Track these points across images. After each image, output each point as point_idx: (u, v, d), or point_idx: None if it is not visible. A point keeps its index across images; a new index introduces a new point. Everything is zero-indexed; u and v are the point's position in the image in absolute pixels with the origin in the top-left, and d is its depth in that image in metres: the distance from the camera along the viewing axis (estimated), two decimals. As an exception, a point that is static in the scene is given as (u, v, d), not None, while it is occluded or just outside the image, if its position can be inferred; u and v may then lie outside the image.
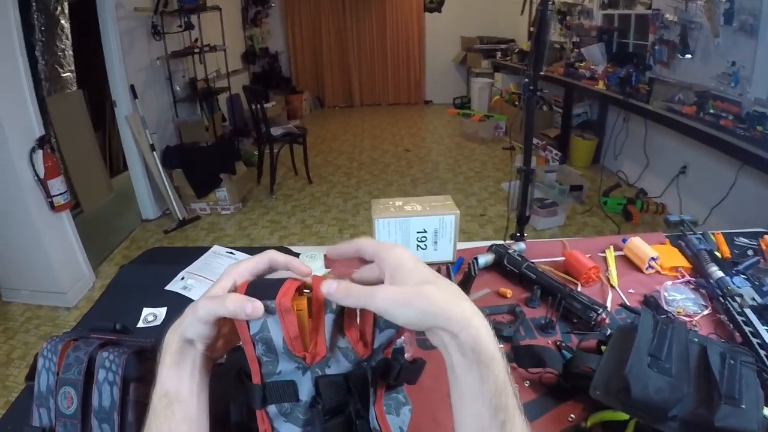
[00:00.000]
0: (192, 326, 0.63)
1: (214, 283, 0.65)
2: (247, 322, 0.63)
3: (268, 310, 0.62)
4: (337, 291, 0.59)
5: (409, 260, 0.61)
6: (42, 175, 3.74)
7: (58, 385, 0.84)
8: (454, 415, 0.60)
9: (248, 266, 0.68)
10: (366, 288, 0.59)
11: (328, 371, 0.66)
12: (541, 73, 6.48)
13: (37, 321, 3.90)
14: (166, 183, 5.34)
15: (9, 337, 3.74)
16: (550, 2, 2.93)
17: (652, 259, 1.45)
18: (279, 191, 6.21)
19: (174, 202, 5.36)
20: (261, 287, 0.64)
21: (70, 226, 4.13)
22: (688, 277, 1.41)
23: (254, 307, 0.59)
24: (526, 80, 2.92)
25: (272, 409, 0.68)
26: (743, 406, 0.82)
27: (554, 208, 4.89)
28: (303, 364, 0.65)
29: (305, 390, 0.66)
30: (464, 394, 0.58)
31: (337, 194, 6.08)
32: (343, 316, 0.65)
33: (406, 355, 0.77)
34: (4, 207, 3.78)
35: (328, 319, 0.64)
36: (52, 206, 3.85)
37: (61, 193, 3.87)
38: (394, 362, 0.70)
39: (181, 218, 5.37)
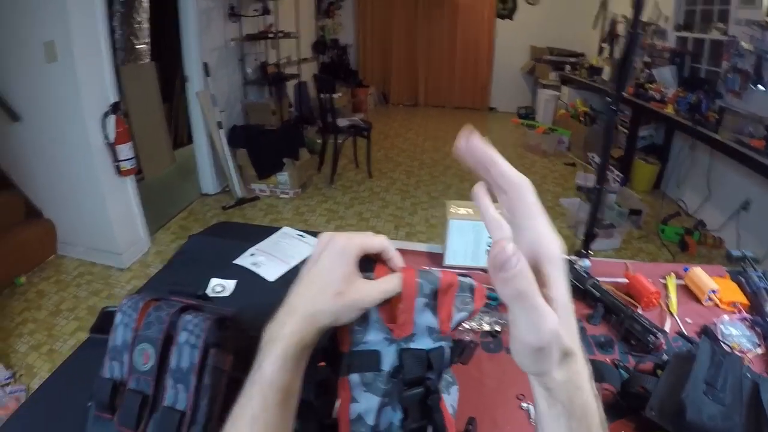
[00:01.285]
0: (352, 314, 0.65)
1: (338, 258, 0.65)
2: None
3: (368, 278, 0.68)
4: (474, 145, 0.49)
5: (561, 262, 0.49)
6: (112, 140, 3.84)
7: (136, 341, 0.85)
8: None
9: (364, 244, 0.68)
10: (532, 281, 0.44)
11: (412, 346, 0.71)
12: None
13: (89, 277, 4.01)
14: (230, 160, 5.42)
15: (60, 288, 3.86)
16: (623, 20, 2.90)
17: (712, 291, 1.44)
18: (339, 182, 6.23)
19: (235, 180, 5.44)
20: (361, 266, 0.68)
21: (132, 191, 4.25)
22: (745, 314, 1.39)
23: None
24: (609, 99, 2.89)
25: (354, 378, 0.71)
26: None
27: (611, 230, 4.80)
28: (391, 336, 0.70)
29: (388, 361, 0.71)
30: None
31: (396, 191, 6.08)
32: (436, 299, 0.71)
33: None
34: (73, 166, 3.92)
35: (419, 302, 0.70)
36: (119, 170, 3.96)
37: (128, 159, 3.98)
38: (469, 343, 0.79)
39: (240, 196, 5.45)
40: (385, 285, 0.67)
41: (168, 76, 6.37)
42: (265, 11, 6.19)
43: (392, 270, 0.71)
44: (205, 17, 5.28)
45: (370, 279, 0.68)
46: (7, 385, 2.89)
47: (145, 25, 5.79)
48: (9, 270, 3.85)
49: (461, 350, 0.77)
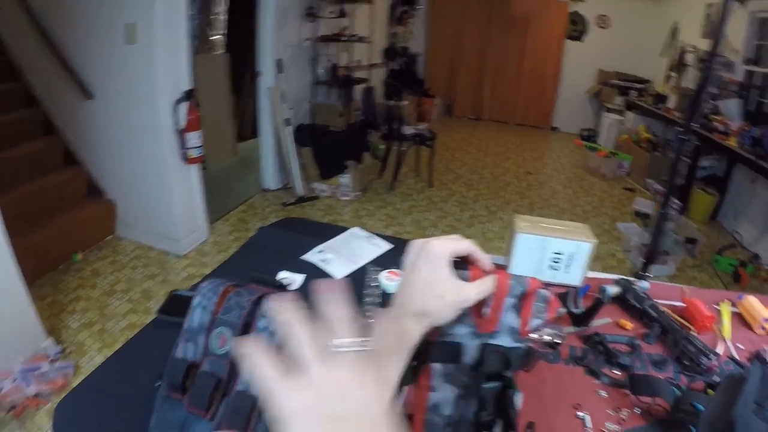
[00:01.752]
0: (453, 314, 0.69)
1: (433, 264, 0.70)
2: None
3: (463, 277, 0.72)
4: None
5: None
6: (183, 127, 3.91)
7: (214, 324, 0.87)
8: None
9: (454, 246, 0.72)
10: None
11: (494, 342, 0.76)
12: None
13: (145, 260, 4.08)
14: (294, 158, 5.48)
15: (116, 269, 3.94)
16: (693, 50, 2.91)
17: (765, 320, 1.45)
18: (399, 188, 6.25)
19: (297, 178, 5.49)
20: (455, 264, 0.73)
21: (196, 179, 4.31)
22: None
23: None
24: (680, 130, 2.91)
25: (437, 367, 0.76)
26: None
27: (666, 257, 4.78)
28: (476, 330, 0.75)
29: (470, 354, 0.76)
30: None
31: (455, 202, 6.07)
32: (521, 302, 0.76)
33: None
34: (141, 150, 4.01)
35: (509, 302, 0.76)
36: (186, 158, 4.02)
37: (196, 147, 4.03)
38: (536, 351, 0.80)
39: (301, 195, 5.50)
40: (482, 286, 0.71)
41: (238, 69, 6.46)
42: (341, 14, 6.24)
43: (484, 271, 0.75)
44: (282, 15, 5.34)
45: (466, 278, 0.72)
46: (57, 360, 2.93)
47: (222, 17, 5.90)
48: (67, 246, 3.94)
49: (531, 357, 0.79)
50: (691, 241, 5.27)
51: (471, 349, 0.75)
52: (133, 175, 4.15)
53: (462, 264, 0.75)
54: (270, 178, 5.79)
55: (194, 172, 4.27)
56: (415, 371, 0.76)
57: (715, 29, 2.62)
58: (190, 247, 4.31)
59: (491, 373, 0.75)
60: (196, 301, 0.91)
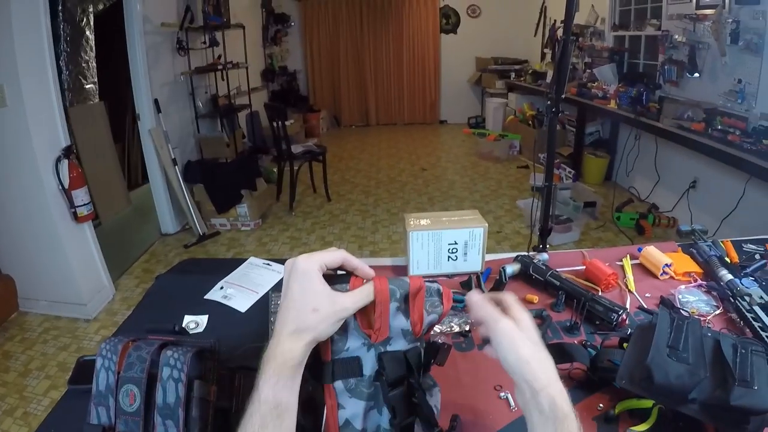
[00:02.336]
0: (333, 327, 0.72)
1: (302, 281, 0.72)
2: None
3: (343, 289, 0.76)
4: (477, 302, 0.77)
5: (529, 321, 0.76)
6: (67, 185, 3.77)
7: (120, 383, 0.85)
8: None
9: (324, 258, 0.75)
10: (496, 313, 0.74)
11: (389, 348, 0.78)
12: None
13: (55, 332, 3.90)
14: (188, 198, 5.37)
15: (27, 347, 3.74)
16: (563, 25, 3.00)
17: (666, 265, 1.55)
18: (298, 208, 6.23)
19: (194, 217, 5.38)
20: (334, 277, 0.76)
21: (91, 237, 4.14)
22: (700, 281, 1.53)
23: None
24: (549, 102, 2.99)
25: (339, 385, 0.76)
26: (755, 388, 0.91)
27: (569, 224, 4.97)
28: (368, 341, 0.77)
29: (369, 365, 0.77)
30: None
31: (355, 212, 6.10)
32: (407, 303, 0.78)
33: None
34: (27, 216, 3.81)
35: (393, 306, 0.76)
36: (75, 217, 3.87)
37: (84, 204, 3.89)
38: (442, 344, 0.84)
39: (201, 233, 5.39)
40: (358, 295, 0.73)
41: (118, 115, 6.32)
42: (213, 43, 6.18)
43: (365, 279, 0.78)
44: (153, 53, 5.24)
45: (345, 290, 0.75)
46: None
47: (93, 64, 5.75)
48: (-30, 333, 3.75)
49: (435, 352, 0.83)
50: (590, 204, 5.50)
51: (368, 360, 0.76)
52: (25, 245, 3.96)
53: (344, 276, 0.77)
54: (168, 222, 5.65)
55: (87, 231, 4.10)
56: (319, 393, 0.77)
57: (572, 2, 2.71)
58: (99, 309, 4.15)
59: (395, 379, 0.76)
60: (98, 363, 0.89)
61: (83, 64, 5.61)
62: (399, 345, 0.78)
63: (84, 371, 1.12)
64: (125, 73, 5.15)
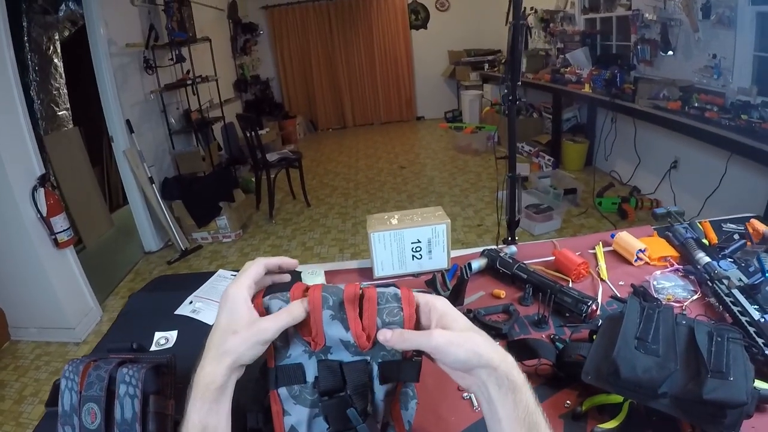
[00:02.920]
0: (253, 349, 0.71)
1: (229, 306, 0.74)
2: (266, 310, 0.76)
3: (283, 300, 0.77)
4: (392, 338, 0.71)
5: (452, 310, 0.74)
6: (45, 213, 3.79)
7: (81, 402, 0.89)
8: None
9: (250, 277, 0.77)
10: (420, 332, 0.72)
11: (330, 358, 0.77)
12: (528, 79, 6.50)
13: (47, 357, 3.93)
14: (167, 215, 5.38)
15: (20, 374, 3.77)
16: (532, 12, 3.01)
17: (640, 251, 1.52)
18: (278, 216, 6.25)
19: (175, 233, 5.40)
20: (276, 288, 0.79)
21: (74, 261, 4.17)
22: (676, 266, 1.49)
23: (304, 305, 0.75)
24: (505, 91, 3.02)
25: (283, 392, 0.77)
26: (731, 379, 0.86)
27: (550, 213, 4.92)
28: (309, 349, 0.76)
29: (311, 372, 0.77)
30: (502, 420, 0.66)
31: (335, 215, 6.12)
32: (344, 312, 0.75)
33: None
34: (9, 246, 3.83)
35: (326, 315, 0.75)
36: (56, 243, 3.90)
37: (64, 230, 3.91)
38: (410, 359, 0.79)
39: (183, 248, 5.41)
40: (281, 317, 0.73)
41: (95, 137, 6.31)
42: (180, 59, 6.15)
43: (305, 288, 0.78)
44: (121, 73, 5.25)
45: (285, 298, 0.77)
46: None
47: (64, 90, 5.75)
48: (-36, 364, 3.77)
49: (417, 370, 0.79)
50: (571, 191, 5.49)
51: (310, 367, 0.77)
52: (9, 275, 3.97)
53: (287, 285, 0.81)
54: (150, 240, 5.67)
55: (69, 256, 4.12)
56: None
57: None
58: (87, 331, 4.17)
59: (327, 389, 0.76)
60: (62, 385, 0.94)
61: (54, 92, 5.61)
62: (341, 356, 0.77)
63: (58, 393, 1.17)
64: (97, 97, 5.17)
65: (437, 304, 0.75)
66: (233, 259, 5.28)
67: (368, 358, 0.77)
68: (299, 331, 0.76)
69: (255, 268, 0.78)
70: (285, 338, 0.77)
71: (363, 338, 0.75)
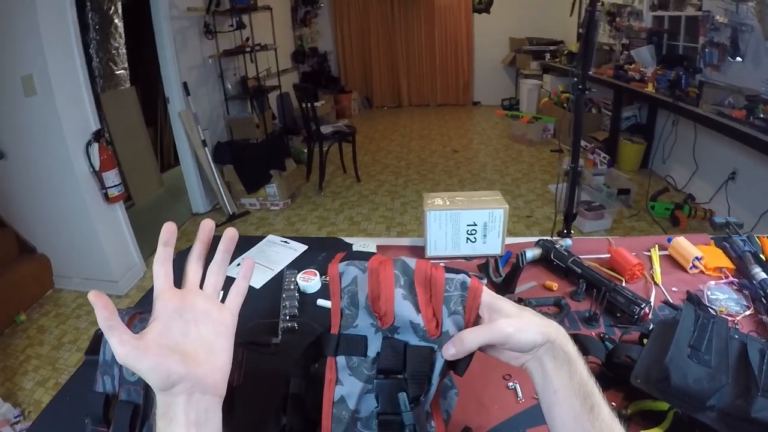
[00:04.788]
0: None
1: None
2: (340, 275, 0.76)
3: (360, 269, 0.75)
4: (458, 347, 0.69)
5: (495, 297, 0.73)
6: (97, 168, 3.85)
7: None
8: (549, 415, 0.69)
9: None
10: (484, 327, 0.70)
11: (397, 337, 0.73)
12: (590, 73, 6.40)
13: (88, 308, 3.98)
14: (217, 178, 5.44)
15: (60, 322, 3.87)
16: (599, 3, 2.93)
17: (697, 258, 1.46)
18: (327, 188, 6.26)
19: (224, 197, 5.45)
20: (356, 255, 0.75)
21: (123, 217, 4.25)
22: (731, 278, 1.42)
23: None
24: (575, 80, 2.92)
25: (341, 361, 0.75)
26: None
27: (601, 211, 4.82)
28: (377, 324, 0.73)
29: (374, 348, 0.74)
30: (557, 391, 0.67)
31: (384, 193, 6.11)
32: (416, 293, 0.73)
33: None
34: (61, 198, 3.92)
35: (397, 293, 0.72)
36: (107, 197, 3.96)
37: (115, 185, 3.98)
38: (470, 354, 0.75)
39: (231, 213, 5.47)
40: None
41: (150, 99, 6.40)
42: (240, 26, 6.19)
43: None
44: (180, 37, 5.29)
45: (363, 267, 0.76)
46: (17, 423, 2.89)
47: (123, 51, 5.83)
48: (8, 308, 3.85)
49: (468, 362, 0.74)
50: (624, 191, 5.36)
51: (375, 343, 0.74)
52: (59, 225, 4.07)
53: (363, 257, 0.78)
54: (198, 203, 5.74)
55: (119, 211, 4.20)
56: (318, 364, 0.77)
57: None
58: (130, 286, 4.25)
59: (385, 368, 0.73)
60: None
61: (113, 51, 5.68)
62: (408, 338, 0.73)
63: (99, 343, 1.16)
64: (155, 58, 5.23)
65: (483, 300, 0.73)
66: (280, 227, 5.30)
67: (435, 346, 0.73)
68: (371, 304, 0.73)
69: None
70: (355, 305, 0.75)
71: (433, 324, 0.72)
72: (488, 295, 0.73)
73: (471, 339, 0.68)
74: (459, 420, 0.96)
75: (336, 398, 0.74)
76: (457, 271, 0.76)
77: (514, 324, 0.68)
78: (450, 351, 0.69)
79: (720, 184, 5.01)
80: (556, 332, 0.69)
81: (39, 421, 1.08)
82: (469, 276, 0.75)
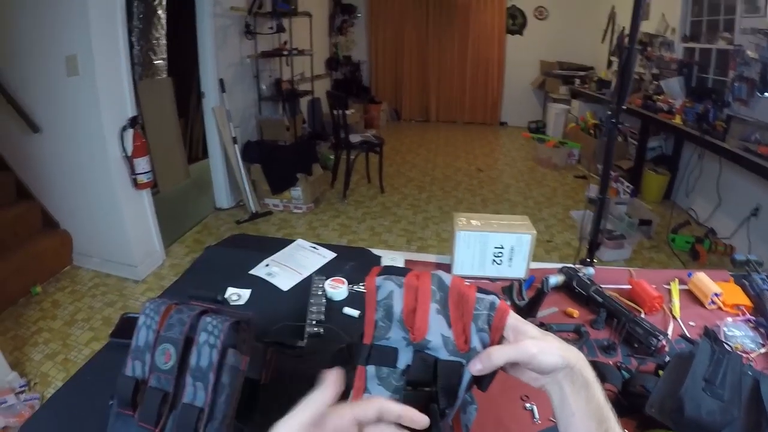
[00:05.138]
0: None
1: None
2: (377, 288, 0.77)
3: (396, 283, 0.76)
4: (482, 362, 0.70)
5: (520, 321, 0.75)
6: (130, 153, 3.91)
7: (158, 342, 0.90)
8: None
9: (305, 416, 0.62)
10: (510, 346, 0.71)
11: (427, 352, 0.73)
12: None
13: (104, 288, 4.06)
14: (244, 176, 5.47)
15: (76, 299, 3.91)
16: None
17: (715, 295, 1.47)
18: (351, 197, 6.26)
19: (249, 195, 5.48)
20: (392, 270, 0.76)
21: (148, 204, 4.30)
22: (748, 316, 1.43)
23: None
24: (609, 112, 2.93)
25: (371, 370, 0.74)
26: None
27: (622, 241, 4.79)
28: (409, 337, 0.73)
29: (404, 360, 0.74)
30: (574, 415, 0.68)
31: (407, 206, 6.10)
32: (448, 309, 0.75)
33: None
34: (91, 178, 3.99)
35: (432, 308, 0.74)
36: (136, 183, 4.03)
37: (145, 172, 4.04)
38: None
39: (254, 211, 5.49)
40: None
41: (184, 91, 6.45)
42: (280, 29, 6.23)
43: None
44: (221, 34, 5.36)
45: (399, 282, 0.77)
46: (22, 392, 2.92)
47: (163, 41, 5.90)
48: (25, 279, 3.90)
49: (491, 378, 0.76)
50: (645, 222, 5.31)
51: (405, 355, 0.74)
52: (85, 204, 4.14)
53: (399, 272, 0.79)
54: (223, 197, 5.79)
55: (146, 198, 4.25)
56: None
57: (638, 9, 2.66)
58: (148, 272, 4.29)
59: (415, 380, 0.73)
60: (140, 321, 0.93)
61: (154, 41, 5.76)
62: (438, 353, 0.73)
63: (126, 327, 1.19)
64: (193, 52, 5.30)
65: (507, 322, 0.76)
66: (301, 230, 5.31)
67: (464, 361, 0.73)
68: (405, 318, 0.75)
69: (316, 405, 0.63)
70: (389, 318, 0.76)
71: (462, 339, 0.74)
72: (514, 318, 0.75)
73: (497, 356, 0.70)
74: (476, 435, 0.97)
75: None
76: (488, 292, 0.78)
77: (539, 345, 0.70)
78: (477, 366, 0.70)
79: (742, 219, 4.98)
80: (576, 358, 0.71)
81: (59, 395, 1.11)
82: (499, 298, 0.77)
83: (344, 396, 0.72)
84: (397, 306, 0.75)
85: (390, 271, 0.78)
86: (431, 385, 0.73)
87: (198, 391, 0.86)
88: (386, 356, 0.75)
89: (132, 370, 0.91)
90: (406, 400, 0.71)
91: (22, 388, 2.97)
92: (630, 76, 2.82)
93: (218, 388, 0.86)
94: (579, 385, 0.69)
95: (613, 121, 2.84)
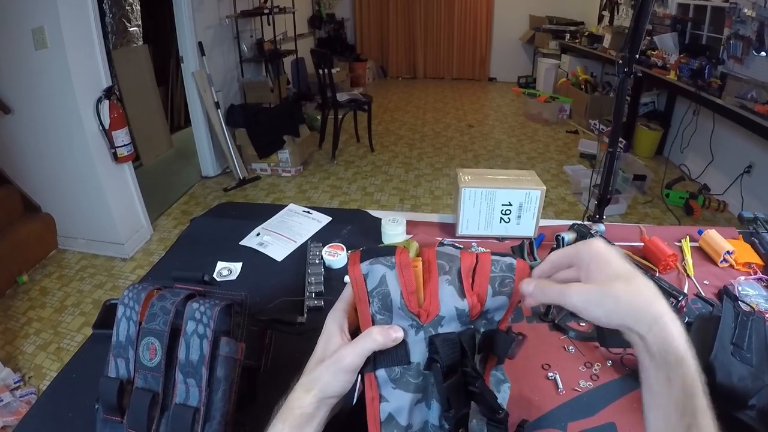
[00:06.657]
0: (336, 379, 0.63)
1: (325, 335, 0.67)
2: (365, 277, 0.66)
3: (387, 266, 0.66)
4: (535, 290, 0.64)
5: (605, 251, 0.64)
6: (107, 126, 3.77)
7: (140, 335, 0.79)
8: (644, 413, 0.59)
9: (344, 300, 0.70)
10: (560, 287, 0.63)
11: (441, 330, 0.66)
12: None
13: (92, 270, 3.96)
14: (229, 141, 5.37)
15: (64, 284, 3.80)
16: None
17: (728, 252, 1.42)
18: (340, 157, 6.21)
19: (235, 161, 5.38)
20: (375, 252, 0.68)
21: (131, 178, 4.18)
22: (760, 274, 1.38)
23: (398, 332, 0.63)
24: (620, 62, 2.83)
25: (382, 374, 0.65)
26: None
27: (617, 196, 4.78)
28: (417, 322, 0.65)
29: (417, 351, 0.65)
30: (653, 395, 0.57)
31: (398, 164, 6.04)
32: (460, 279, 0.66)
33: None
34: (67, 156, 3.84)
35: (443, 280, 0.66)
36: (116, 157, 3.89)
37: (124, 145, 3.91)
38: (517, 336, 0.70)
39: (241, 177, 5.40)
40: (363, 346, 0.63)
41: (162, 58, 6.32)
42: (259, -15, 6.10)
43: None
44: (197, -6, 5.19)
45: (389, 263, 0.67)
46: (17, 388, 2.85)
47: (137, 7, 5.75)
48: (10, 269, 3.78)
49: (510, 344, 0.69)
50: (640, 177, 5.35)
51: (417, 345, 0.65)
52: (66, 184, 4.00)
53: (389, 249, 0.69)
54: (208, 165, 5.68)
55: (127, 171, 4.13)
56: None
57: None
58: (135, 248, 4.20)
59: (449, 366, 0.65)
60: (120, 312, 0.82)
61: (127, 8, 5.61)
62: (452, 327, 0.66)
63: (110, 315, 1.06)
64: (171, 17, 5.12)
65: (584, 249, 0.65)
66: (291, 194, 5.25)
67: (473, 327, 0.68)
68: (407, 302, 0.64)
69: (347, 292, 0.70)
70: (387, 309, 0.65)
71: (478, 308, 0.65)
72: (599, 247, 0.64)
73: (546, 292, 0.64)
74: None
75: (383, 417, 0.65)
76: (503, 254, 0.71)
77: (584, 295, 0.61)
78: (526, 288, 0.66)
79: (735, 176, 5.01)
80: (650, 324, 0.57)
81: (46, 397, 1.00)
82: (515, 258, 0.70)
83: (353, 409, 0.73)
84: (394, 291, 0.65)
85: (371, 253, 0.63)
86: (460, 364, 0.66)
87: (190, 389, 0.76)
88: (395, 354, 0.65)
89: (115, 369, 0.81)
90: (449, 393, 0.65)
91: (17, 384, 2.88)
92: (646, 18, 2.71)
93: (213, 384, 0.77)
94: (657, 362, 0.56)
95: (626, 70, 2.75)
